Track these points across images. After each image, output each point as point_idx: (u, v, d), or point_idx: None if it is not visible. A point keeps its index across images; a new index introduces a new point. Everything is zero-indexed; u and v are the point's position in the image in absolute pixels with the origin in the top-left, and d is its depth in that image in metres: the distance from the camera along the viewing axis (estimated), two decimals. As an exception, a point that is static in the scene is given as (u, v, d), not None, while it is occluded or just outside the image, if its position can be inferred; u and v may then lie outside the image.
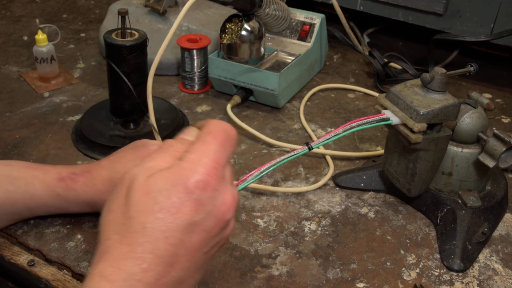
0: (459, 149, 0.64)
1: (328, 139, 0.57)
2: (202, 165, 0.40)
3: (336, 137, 0.57)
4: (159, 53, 0.73)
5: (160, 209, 0.39)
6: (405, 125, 0.60)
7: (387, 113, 0.61)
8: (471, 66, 0.69)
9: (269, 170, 0.54)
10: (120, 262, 0.39)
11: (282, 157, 0.55)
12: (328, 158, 0.79)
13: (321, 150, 0.80)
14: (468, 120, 0.64)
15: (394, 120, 0.61)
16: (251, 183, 0.51)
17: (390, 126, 0.62)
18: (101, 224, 0.42)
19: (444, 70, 0.61)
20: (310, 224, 0.67)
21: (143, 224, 0.39)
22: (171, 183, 0.39)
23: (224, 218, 0.41)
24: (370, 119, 0.59)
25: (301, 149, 0.56)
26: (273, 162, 0.55)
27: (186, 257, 0.40)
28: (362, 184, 0.73)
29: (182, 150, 0.43)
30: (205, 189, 0.40)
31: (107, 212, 0.42)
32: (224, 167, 0.42)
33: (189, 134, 0.45)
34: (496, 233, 0.67)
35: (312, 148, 0.57)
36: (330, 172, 0.76)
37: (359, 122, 0.58)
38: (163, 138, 0.79)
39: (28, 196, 0.61)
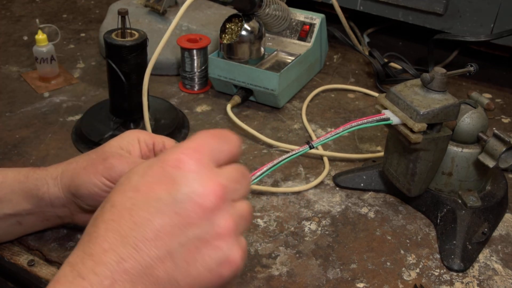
0: (459, 149, 0.64)
1: (328, 138, 0.57)
2: (181, 146, 0.38)
3: (336, 136, 0.57)
4: (157, 51, 0.73)
5: (131, 188, 0.37)
6: (405, 125, 0.60)
7: (387, 113, 0.61)
8: (471, 66, 0.69)
9: (270, 170, 0.54)
10: (85, 244, 0.36)
11: (283, 156, 0.55)
12: (325, 158, 0.79)
13: (320, 151, 0.80)
14: (468, 120, 0.64)
15: (394, 120, 0.61)
16: (253, 183, 0.52)
17: (390, 126, 0.62)
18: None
19: (444, 70, 0.61)
20: (310, 224, 0.67)
21: (113, 203, 0.37)
22: (148, 165, 0.38)
23: (204, 205, 0.36)
24: (370, 119, 0.59)
25: (301, 148, 0.56)
26: (274, 161, 0.55)
27: (154, 242, 0.36)
28: (362, 184, 0.73)
29: None
30: (179, 167, 0.37)
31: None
32: (209, 156, 0.38)
33: None
34: (496, 233, 0.67)
35: (313, 147, 0.57)
36: (326, 171, 0.76)
37: (359, 122, 0.58)
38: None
39: None
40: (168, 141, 0.56)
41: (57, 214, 0.58)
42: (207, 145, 0.39)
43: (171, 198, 0.36)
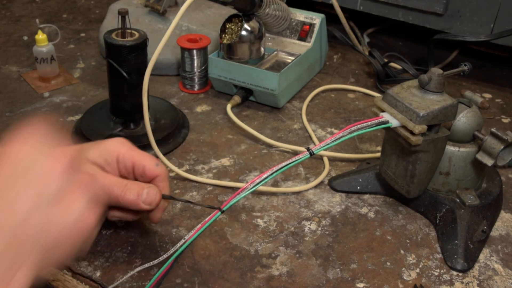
0: (456, 149, 0.64)
1: (328, 144, 0.57)
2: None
3: (336, 142, 0.57)
4: (157, 51, 0.73)
5: None
6: (404, 127, 0.60)
7: (385, 116, 0.61)
8: (465, 65, 0.69)
9: (270, 177, 0.55)
10: None
11: (283, 163, 0.55)
12: (325, 158, 0.79)
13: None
14: (464, 119, 0.64)
15: (394, 122, 0.60)
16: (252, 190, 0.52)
17: (388, 129, 0.62)
18: None
19: (441, 71, 0.60)
20: (310, 224, 0.67)
21: None
22: None
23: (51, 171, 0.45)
24: (369, 123, 0.59)
25: (302, 154, 0.57)
26: (274, 168, 0.56)
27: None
28: (358, 187, 0.73)
29: None
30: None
31: None
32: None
33: None
34: (496, 233, 0.67)
35: (313, 153, 0.57)
36: (326, 171, 0.76)
37: (358, 126, 0.58)
38: (163, 137, 0.79)
39: None
40: (148, 164, 0.56)
41: None
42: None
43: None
